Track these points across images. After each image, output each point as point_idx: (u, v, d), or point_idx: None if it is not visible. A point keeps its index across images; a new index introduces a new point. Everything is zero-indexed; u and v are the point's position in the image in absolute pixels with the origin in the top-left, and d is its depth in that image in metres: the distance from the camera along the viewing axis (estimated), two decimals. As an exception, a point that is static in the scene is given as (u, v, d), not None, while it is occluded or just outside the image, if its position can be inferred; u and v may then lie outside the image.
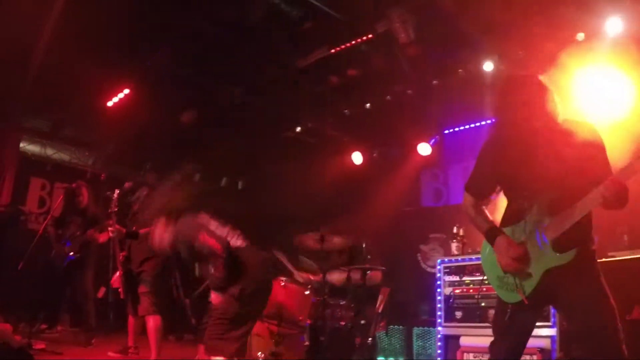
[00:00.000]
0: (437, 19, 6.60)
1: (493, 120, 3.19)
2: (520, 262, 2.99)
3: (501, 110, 3.21)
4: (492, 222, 3.20)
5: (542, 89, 3.08)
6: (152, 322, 5.62)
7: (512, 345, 3.15)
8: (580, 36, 6.27)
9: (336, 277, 6.92)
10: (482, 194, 3.31)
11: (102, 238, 6.86)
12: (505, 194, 3.26)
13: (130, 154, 8.95)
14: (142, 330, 5.83)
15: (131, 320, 5.92)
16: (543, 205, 3.01)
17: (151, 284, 5.68)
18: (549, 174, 3.01)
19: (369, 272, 6.75)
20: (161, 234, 4.38)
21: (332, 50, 7.17)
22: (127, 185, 5.87)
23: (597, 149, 3.02)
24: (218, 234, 4.28)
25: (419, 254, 8.77)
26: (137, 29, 6.80)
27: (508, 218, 3.19)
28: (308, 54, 7.38)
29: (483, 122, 8.22)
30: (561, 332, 5.05)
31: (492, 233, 3.12)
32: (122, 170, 8.74)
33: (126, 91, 8.00)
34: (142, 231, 5.74)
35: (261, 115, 8.82)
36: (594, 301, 2.89)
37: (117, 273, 5.83)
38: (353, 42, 7.05)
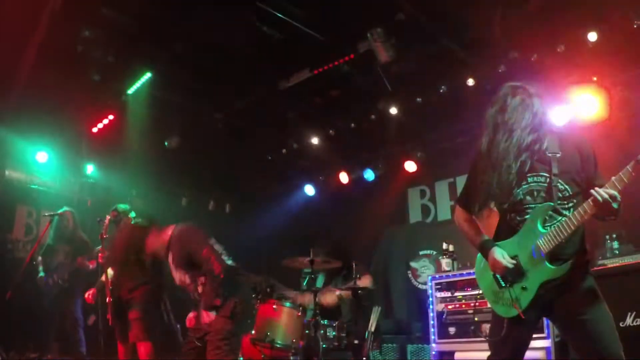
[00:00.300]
0: (418, 37, 6.67)
1: (485, 132, 3.12)
2: (514, 276, 3.00)
3: (493, 121, 3.19)
4: (485, 236, 3.19)
5: (533, 99, 3.11)
6: (144, 349, 5.54)
7: (509, 359, 3.13)
8: (561, 48, 6.38)
9: (329, 298, 6.89)
10: (474, 208, 3.28)
11: (92, 265, 6.79)
12: (498, 208, 3.24)
13: (115, 180, 8.91)
14: (133, 357, 5.74)
15: (121, 347, 5.84)
16: (536, 218, 3.01)
17: (142, 310, 5.62)
18: (540, 186, 3.04)
19: (359, 291, 6.74)
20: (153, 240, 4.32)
21: (315, 72, 7.21)
22: (114, 213, 5.82)
23: (587, 158, 3.05)
24: (219, 252, 4.25)
25: (409, 271, 8.76)
26: (122, 54, 6.80)
27: (501, 232, 3.19)
28: (290, 75, 7.41)
29: (468, 138, 8.25)
30: (556, 343, 5.06)
31: (485, 247, 3.13)
32: (108, 196, 8.68)
33: (110, 117, 7.98)
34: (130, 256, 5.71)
35: (246, 137, 8.82)
36: (591, 311, 2.90)
37: (107, 299, 5.74)
38: (335, 62, 7.09)
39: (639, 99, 6.44)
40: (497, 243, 3.12)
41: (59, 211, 7.23)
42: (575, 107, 6.57)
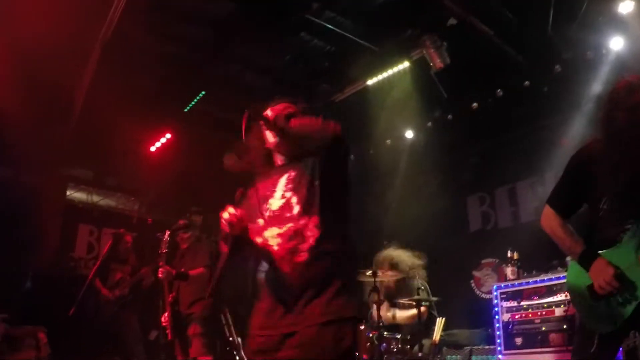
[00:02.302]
0: (471, 41, 6.56)
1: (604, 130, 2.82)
2: (618, 289, 2.81)
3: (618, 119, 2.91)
4: (585, 245, 2.99)
5: None
6: None
7: None
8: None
9: (404, 314, 6.72)
10: (568, 212, 3.11)
11: (153, 278, 6.88)
12: (593, 213, 3.03)
13: (174, 197, 9.04)
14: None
15: None
16: None
17: (202, 324, 5.65)
18: None
19: (422, 304, 6.60)
20: None
21: (369, 82, 7.17)
22: (178, 223, 5.88)
23: None
24: None
25: (472, 281, 8.57)
26: (175, 76, 6.93)
27: (600, 240, 2.96)
28: (344, 87, 7.39)
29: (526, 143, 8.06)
30: (626, 353, 4.84)
31: (589, 257, 2.93)
32: (167, 214, 8.81)
33: (168, 136, 8.11)
34: (191, 272, 5.75)
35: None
36: None
37: (166, 313, 5.81)
38: (388, 71, 7.03)
39: None
40: (600, 253, 2.92)
41: (121, 230, 7.38)
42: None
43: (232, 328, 6.16)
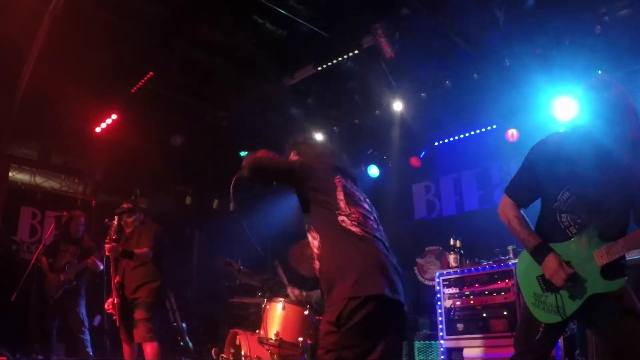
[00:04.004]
0: (422, 32, 6.63)
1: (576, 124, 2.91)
2: (570, 284, 2.89)
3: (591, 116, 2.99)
4: (539, 238, 3.02)
5: (628, 97, 2.93)
6: (150, 349, 5.53)
7: (536, 357, 3.07)
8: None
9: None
10: (522, 202, 3.16)
11: (102, 265, 6.77)
12: (545, 204, 3.11)
13: (120, 179, 8.88)
14: (139, 357, 5.73)
15: (126, 348, 5.81)
16: (599, 227, 2.91)
17: (147, 309, 5.60)
18: (612, 194, 2.92)
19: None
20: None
21: (319, 68, 7.17)
22: (122, 207, 5.80)
23: None
24: None
25: (415, 268, 8.73)
26: (124, 55, 6.78)
27: (552, 234, 3.03)
28: (295, 72, 7.38)
29: (473, 133, 8.23)
30: (565, 339, 5.03)
31: (542, 250, 2.98)
32: (112, 197, 8.66)
33: (114, 117, 7.94)
34: (137, 250, 5.69)
35: (250, 135, 8.80)
36: (634, 331, 2.85)
37: (111, 299, 5.75)
38: (339, 58, 7.05)
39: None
40: (552, 247, 2.98)
41: (64, 212, 7.22)
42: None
43: (177, 313, 6.12)
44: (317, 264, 3.11)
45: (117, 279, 5.75)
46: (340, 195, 3.11)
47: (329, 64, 7.03)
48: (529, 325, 3.07)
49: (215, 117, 8.44)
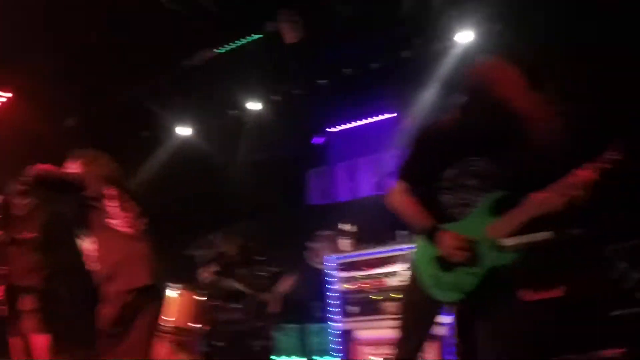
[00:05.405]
0: (324, 19, 6.68)
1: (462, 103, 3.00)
2: (468, 259, 2.92)
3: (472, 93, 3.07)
4: (430, 218, 3.02)
5: (515, 75, 2.97)
6: (40, 342, 5.23)
7: (422, 339, 3.17)
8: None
9: (230, 281, 6.85)
10: (412, 184, 3.14)
11: None
12: (434, 186, 3.11)
13: (13, 160, 8.32)
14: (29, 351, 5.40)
15: (15, 341, 5.46)
16: (490, 203, 2.98)
17: (37, 299, 5.29)
18: (504, 168, 3.01)
19: (261, 273, 6.73)
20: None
21: (221, 50, 7.06)
22: (16, 188, 5.45)
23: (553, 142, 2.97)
24: None
25: (308, 252, 8.83)
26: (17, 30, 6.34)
27: (441, 214, 3.05)
28: (194, 53, 7.21)
29: (368, 120, 8.43)
30: (457, 319, 5.25)
31: (435, 229, 2.98)
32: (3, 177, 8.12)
33: (8, 94, 7.47)
34: (27, 236, 5.37)
35: (148, 116, 8.54)
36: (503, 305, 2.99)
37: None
38: (240, 41, 6.97)
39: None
40: (447, 225, 2.99)
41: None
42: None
43: (71, 302, 5.85)
44: (97, 266, 3.74)
45: (6, 267, 5.38)
46: (113, 203, 3.82)
47: (232, 45, 6.93)
48: (422, 307, 3.09)
49: (114, 98, 8.10)
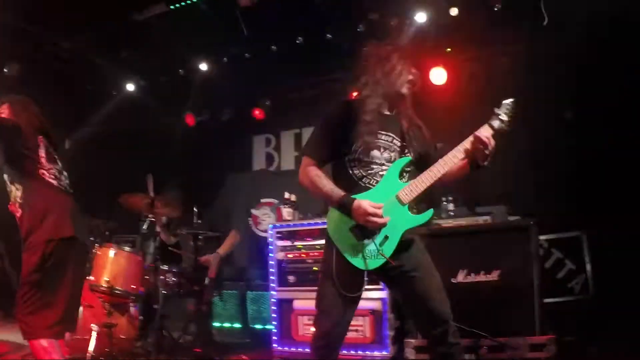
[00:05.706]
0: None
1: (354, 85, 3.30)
2: (383, 221, 3.01)
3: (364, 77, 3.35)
4: (342, 191, 3.09)
5: (401, 57, 3.31)
6: None
7: (350, 315, 3.19)
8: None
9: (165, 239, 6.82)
10: (324, 160, 3.25)
11: None
12: (341, 160, 3.24)
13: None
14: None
15: None
16: (399, 169, 3.16)
17: None
18: (404, 140, 3.25)
19: (199, 236, 6.68)
20: None
21: (171, 7, 6.86)
22: None
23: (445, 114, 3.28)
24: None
25: (250, 219, 8.82)
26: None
27: (349, 187, 3.14)
28: (144, 8, 6.98)
29: (318, 91, 8.38)
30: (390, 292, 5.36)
31: (347, 200, 3.03)
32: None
33: None
34: None
35: (91, 71, 8.25)
36: (421, 268, 3.17)
37: None
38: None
39: (484, 75, 7.07)
40: (357, 195, 3.07)
41: None
42: (426, 74, 7.00)
43: (6, 258, 5.66)
44: (19, 212, 3.72)
45: None
46: (42, 153, 3.79)
47: (182, 3, 6.75)
48: (348, 278, 3.09)
49: (55, 49, 7.77)
